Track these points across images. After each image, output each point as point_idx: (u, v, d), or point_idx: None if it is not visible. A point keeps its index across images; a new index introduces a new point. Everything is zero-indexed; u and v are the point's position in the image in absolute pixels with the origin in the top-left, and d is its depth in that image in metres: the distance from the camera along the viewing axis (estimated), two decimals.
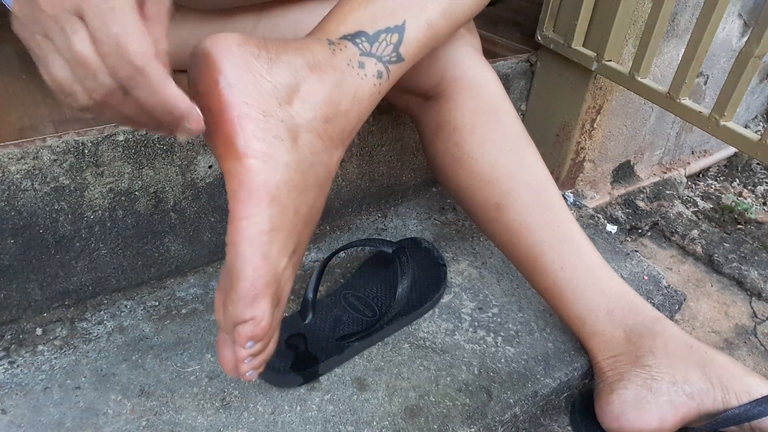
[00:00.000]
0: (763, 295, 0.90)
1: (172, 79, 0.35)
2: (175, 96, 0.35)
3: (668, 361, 0.59)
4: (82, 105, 0.34)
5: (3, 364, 0.60)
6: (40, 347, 0.62)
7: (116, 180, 0.62)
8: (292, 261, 0.44)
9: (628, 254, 0.85)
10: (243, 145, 0.39)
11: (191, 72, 0.42)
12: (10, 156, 0.55)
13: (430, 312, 0.71)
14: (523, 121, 0.97)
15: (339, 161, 0.47)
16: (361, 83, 0.46)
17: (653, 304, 0.71)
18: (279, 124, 0.41)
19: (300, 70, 0.43)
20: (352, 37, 0.46)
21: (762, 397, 0.55)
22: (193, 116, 0.37)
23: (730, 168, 1.28)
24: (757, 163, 1.28)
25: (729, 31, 1.05)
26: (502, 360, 0.66)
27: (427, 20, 0.49)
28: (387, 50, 0.47)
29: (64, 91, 0.34)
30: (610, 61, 0.81)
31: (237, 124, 0.39)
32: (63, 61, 0.33)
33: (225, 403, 0.58)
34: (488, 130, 0.62)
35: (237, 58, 0.40)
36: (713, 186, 1.21)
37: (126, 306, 0.68)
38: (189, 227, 0.71)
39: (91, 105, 0.34)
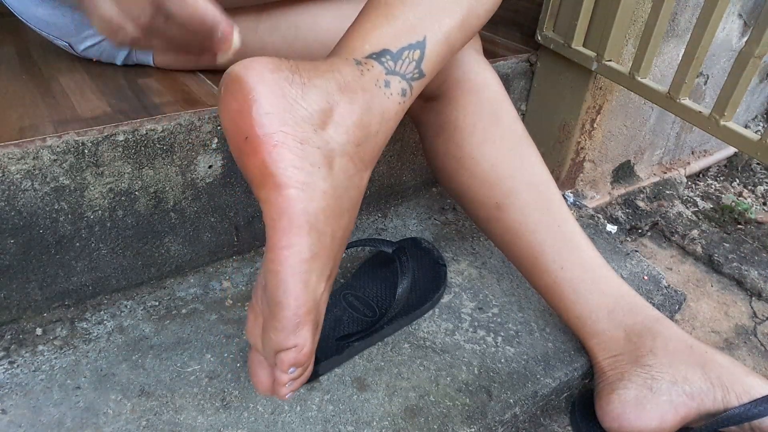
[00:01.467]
0: (763, 295, 0.90)
1: None
2: (203, 6, 0.37)
3: (668, 361, 0.59)
4: (132, 36, 0.36)
5: (3, 364, 0.60)
6: (40, 347, 0.62)
7: (116, 180, 0.62)
8: (328, 284, 0.44)
9: (628, 254, 0.85)
10: (281, 174, 0.39)
11: (222, 98, 0.41)
12: (10, 156, 0.55)
13: (430, 312, 0.71)
14: (523, 121, 0.97)
15: (367, 183, 0.47)
16: (387, 103, 0.45)
17: (653, 304, 0.71)
18: (315, 151, 0.41)
19: (332, 94, 0.42)
20: (378, 56, 0.45)
21: (762, 397, 0.55)
22: (224, 24, 0.37)
23: (730, 168, 1.28)
24: (757, 163, 1.28)
25: (729, 31, 1.05)
26: (502, 360, 0.66)
27: (445, 34, 0.48)
28: (410, 67, 0.47)
29: (114, 27, 0.36)
30: (610, 61, 0.81)
31: (275, 154, 0.39)
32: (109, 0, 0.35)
33: (225, 403, 0.58)
34: (489, 130, 0.63)
35: (271, 85, 0.40)
36: (713, 186, 1.21)
37: (126, 306, 0.68)
38: (189, 227, 0.71)
39: (139, 35, 0.36)
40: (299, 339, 0.41)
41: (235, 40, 0.39)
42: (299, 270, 0.40)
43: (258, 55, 0.71)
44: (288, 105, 0.40)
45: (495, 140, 0.63)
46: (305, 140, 0.40)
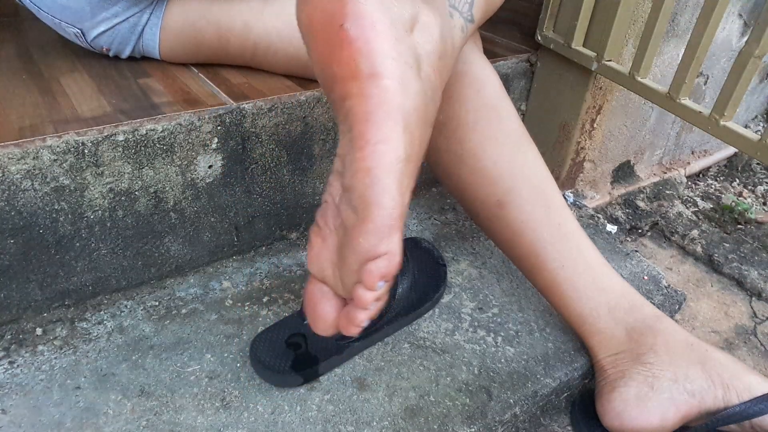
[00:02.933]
0: (763, 295, 0.90)
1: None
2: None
3: (669, 359, 0.59)
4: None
5: (3, 364, 0.60)
6: (40, 347, 0.62)
7: (116, 180, 0.62)
8: (410, 197, 0.42)
9: (628, 254, 0.85)
10: (380, 64, 0.37)
11: (308, 3, 0.39)
12: (10, 156, 0.55)
13: (430, 312, 0.71)
14: (523, 121, 0.97)
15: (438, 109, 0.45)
16: (454, 30, 0.46)
17: (653, 304, 0.71)
18: (408, 50, 0.39)
19: (417, 4, 0.41)
20: None
21: (762, 395, 0.56)
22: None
23: (730, 168, 1.28)
24: (757, 163, 1.28)
25: (729, 31, 1.05)
26: (502, 360, 0.66)
27: None
28: (465, 7, 0.48)
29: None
30: (610, 61, 0.81)
31: (375, 42, 0.37)
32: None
33: (225, 403, 0.58)
34: (491, 127, 0.63)
35: None
36: (713, 186, 1.21)
37: (126, 306, 0.68)
38: (189, 227, 0.71)
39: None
40: (392, 245, 0.38)
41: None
42: (395, 168, 0.37)
43: (263, 37, 0.71)
44: (381, 1, 0.38)
45: (497, 137, 0.63)
46: (399, 38, 0.39)
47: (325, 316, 0.43)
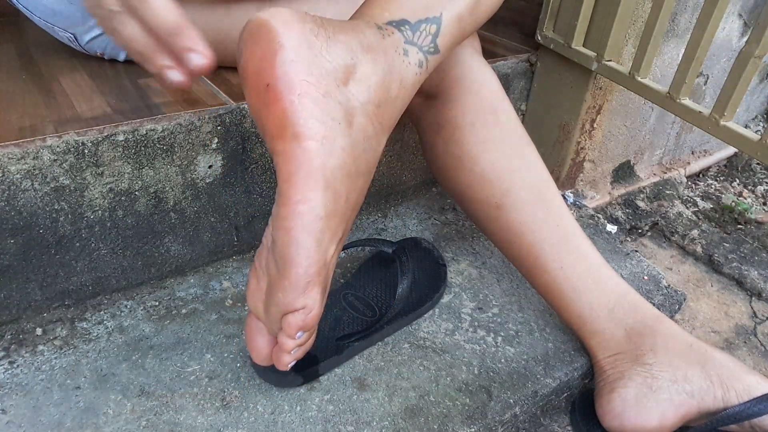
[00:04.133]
0: (763, 295, 0.90)
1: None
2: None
3: (669, 360, 0.59)
4: (110, 8, 0.35)
5: (3, 364, 0.60)
6: (40, 347, 0.62)
7: (116, 180, 0.62)
8: (338, 248, 0.43)
9: (628, 254, 0.85)
10: (302, 125, 0.38)
11: (244, 44, 0.40)
12: (10, 156, 0.55)
13: (430, 312, 0.71)
14: (523, 121, 0.97)
15: (383, 149, 0.46)
16: (406, 70, 0.45)
17: (653, 304, 0.71)
18: (337, 105, 0.40)
19: (356, 52, 0.41)
20: (397, 24, 0.45)
21: (762, 396, 0.56)
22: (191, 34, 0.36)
23: (730, 168, 1.28)
24: (757, 163, 1.28)
25: (729, 31, 1.05)
26: (502, 360, 0.66)
27: (458, 15, 0.49)
28: (426, 40, 0.47)
29: (96, 3, 0.36)
30: (610, 61, 0.81)
31: (298, 103, 0.38)
32: None
33: (225, 403, 0.58)
34: (488, 129, 0.63)
35: (298, 34, 0.38)
36: (713, 186, 1.21)
37: (126, 306, 0.68)
38: (189, 227, 0.71)
39: (118, 10, 0.35)
40: (308, 300, 0.39)
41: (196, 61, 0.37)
42: (313, 227, 0.38)
43: None
44: (313, 56, 0.39)
45: (495, 139, 0.63)
46: (328, 93, 0.39)
47: (259, 349, 0.45)
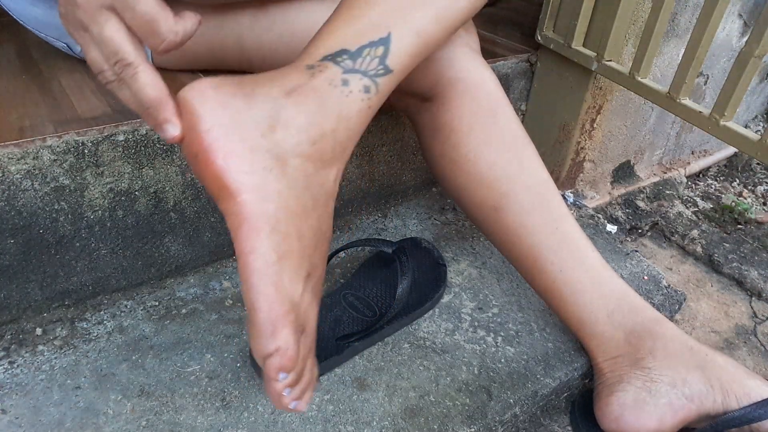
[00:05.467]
0: (763, 295, 0.90)
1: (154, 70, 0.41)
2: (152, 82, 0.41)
3: (668, 363, 0.59)
4: (108, 80, 0.40)
5: (3, 364, 0.60)
6: (40, 347, 0.62)
7: (116, 180, 0.62)
8: (310, 284, 0.44)
9: (628, 254, 0.85)
10: (233, 182, 0.40)
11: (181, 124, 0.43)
12: (10, 156, 0.55)
13: (430, 312, 0.71)
14: (523, 121, 0.97)
15: (337, 179, 0.47)
16: (346, 101, 0.45)
17: (653, 304, 0.71)
18: (265, 154, 0.42)
19: (278, 99, 0.43)
20: (333, 56, 0.46)
21: (763, 400, 0.55)
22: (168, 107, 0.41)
23: (730, 168, 1.28)
24: (757, 163, 1.28)
25: (729, 31, 1.05)
26: (502, 360, 0.66)
27: (416, 29, 0.48)
28: (372, 64, 0.46)
29: (97, 69, 0.40)
30: (610, 61, 0.81)
31: (223, 164, 0.40)
32: (96, 45, 0.39)
33: (225, 403, 0.58)
34: (485, 132, 0.62)
35: (213, 101, 0.41)
36: (713, 186, 1.21)
37: (126, 306, 0.68)
38: (189, 227, 0.71)
39: (114, 79, 0.40)
40: (279, 342, 0.40)
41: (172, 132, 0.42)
42: (266, 272, 0.40)
43: (257, 51, 0.71)
44: (232, 116, 0.41)
45: (491, 142, 0.62)
46: (254, 147, 0.41)
47: (271, 394, 0.45)
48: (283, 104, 0.43)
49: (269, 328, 0.40)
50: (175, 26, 0.39)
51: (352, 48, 0.46)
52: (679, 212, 1.07)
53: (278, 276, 0.40)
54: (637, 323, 0.61)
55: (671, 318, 0.81)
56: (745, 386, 0.57)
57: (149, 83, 0.40)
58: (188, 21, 0.40)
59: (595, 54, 0.82)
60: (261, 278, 0.40)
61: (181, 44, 0.40)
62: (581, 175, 1.00)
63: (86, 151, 0.59)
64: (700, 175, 1.24)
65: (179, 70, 0.74)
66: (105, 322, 0.66)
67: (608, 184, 1.07)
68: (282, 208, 0.41)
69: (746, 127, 1.30)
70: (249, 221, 0.40)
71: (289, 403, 0.43)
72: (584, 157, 0.97)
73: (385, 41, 0.47)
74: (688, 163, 1.21)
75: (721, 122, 0.69)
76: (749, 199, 1.17)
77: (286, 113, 0.43)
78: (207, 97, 0.41)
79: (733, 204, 1.10)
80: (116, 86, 0.41)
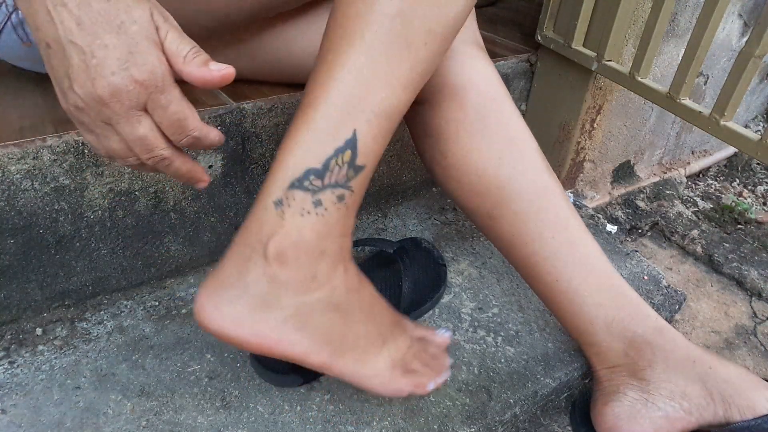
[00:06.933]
0: (763, 295, 0.90)
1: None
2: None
3: (666, 376, 0.57)
4: (131, 164, 0.42)
5: (3, 364, 0.60)
6: (40, 347, 0.62)
7: (116, 180, 0.62)
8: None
9: (628, 254, 0.85)
10: (270, 346, 0.46)
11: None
12: (10, 156, 0.55)
13: (430, 312, 0.71)
14: None
15: (348, 269, 0.49)
16: (322, 221, 0.44)
17: (653, 304, 0.71)
18: (276, 312, 0.46)
19: (267, 270, 0.45)
20: (300, 181, 0.43)
21: (766, 414, 0.54)
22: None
23: (730, 168, 1.28)
24: (757, 163, 1.28)
25: (729, 31, 1.05)
26: (502, 360, 0.66)
27: (384, 109, 0.44)
28: (341, 173, 0.44)
29: (119, 158, 0.42)
30: (610, 61, 0.81)
31: (254, 339, 0.46)
32: (120, 139, 0.40)
33: (225, 403, 0.58)
34: (475, 138, 0.58)
35: (213, 307, 0.47)
36: (713, 186, 1.21)
37: (126, 306, 0.68)
38: (189, 227, 0.71)
39: (139, 165, 0.43)
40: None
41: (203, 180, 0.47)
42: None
43: (250, 74, 0.70)
44: (232, 304, 0.46)
45: (481, 149, 0.58)
46: (262, 311, 0.46)
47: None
48: (271, 275, 0.45)
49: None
50: (202, 128, 0.42)
51: (318, 165, 0.43)
52: (679, 212, 1.07)
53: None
54: (638, 334, 0.59)
55: (671, 318, 0.81)
56: (749, 399, 0.55)
57: (181, 166, 0.44)
58: (212, 132, 0.43)
59: (595, 54, 0.82)
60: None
61: (202, 147, 0.44)
62: (581, 175, 1.00)
63: (86, 151, 0.59)
64: (700, 175, 1.24)
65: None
66: (105, 322, 0.66)
67: (608, 184, 1.07)
68: (324, 333, 0.48)
69: (746, 127, 1.30)
70: (332, 370, 0.48)
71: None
72: (584, 157, 0.97)
73: (350, 142, 0.43)
74: (688, 163, 1.21)
75: (721, 122, 0.69)
76: (749, 199, 1.17)
77: (275, 286, 0.45)
78: (205, 308, 0.47)
79: (733, 204, 1.10)
80: (139, 167, 0.43)
